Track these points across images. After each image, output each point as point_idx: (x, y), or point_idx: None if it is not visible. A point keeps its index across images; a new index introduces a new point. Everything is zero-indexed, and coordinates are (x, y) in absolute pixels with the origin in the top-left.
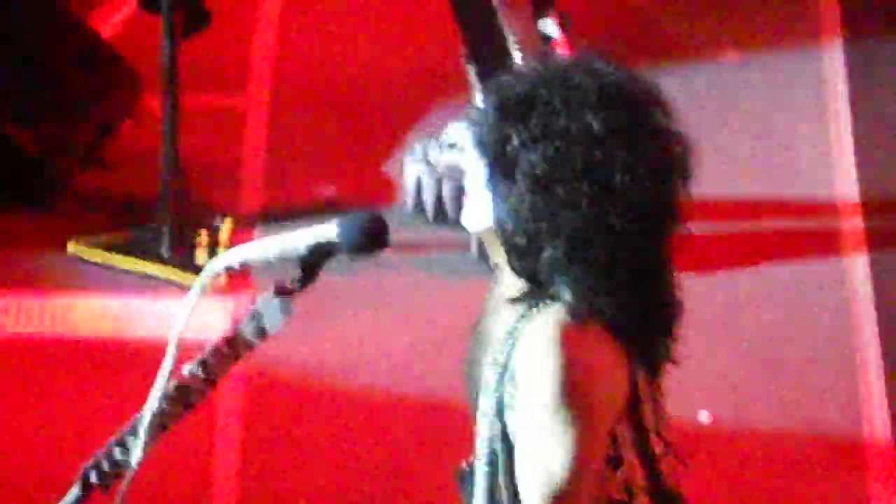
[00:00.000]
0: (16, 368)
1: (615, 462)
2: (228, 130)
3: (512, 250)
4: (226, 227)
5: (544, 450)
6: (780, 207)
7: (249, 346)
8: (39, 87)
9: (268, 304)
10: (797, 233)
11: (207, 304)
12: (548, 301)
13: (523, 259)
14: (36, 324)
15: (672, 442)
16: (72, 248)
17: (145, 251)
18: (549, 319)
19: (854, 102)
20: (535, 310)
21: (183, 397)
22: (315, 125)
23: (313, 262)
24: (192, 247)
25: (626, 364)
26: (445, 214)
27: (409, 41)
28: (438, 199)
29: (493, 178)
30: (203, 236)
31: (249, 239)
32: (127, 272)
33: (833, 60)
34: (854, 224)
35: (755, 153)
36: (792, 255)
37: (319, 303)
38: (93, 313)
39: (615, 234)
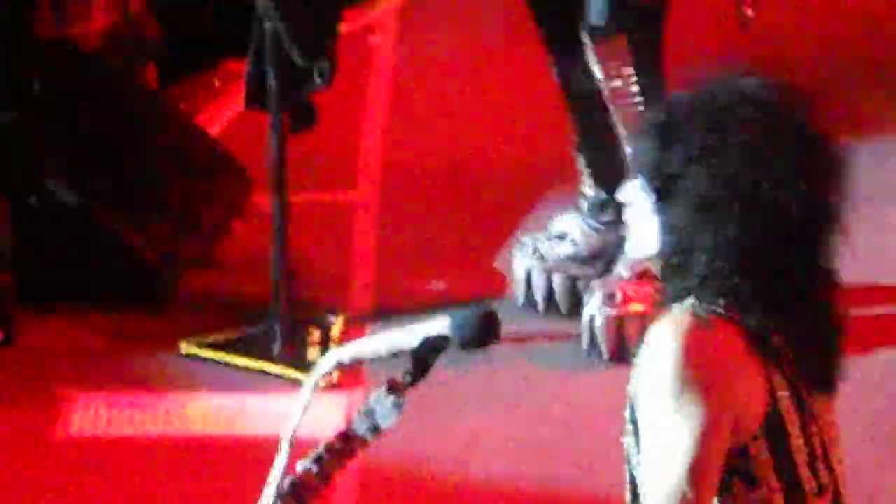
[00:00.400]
0: (129, 469)
1: (750, 481)
2: (338, 228)
3: (670, 271)
4: (337, 325)
5: (660, 450)
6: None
7: (363, 443)
8: (152, 191)
9: (381, 400)
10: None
11: (320, 401)
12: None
13: (679, 278)
14: (149, 424)
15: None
16: (185, 347)
17: (257, 349)
18: (669, 320)
19: None
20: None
21: (297, 495)
22: (424, 220)
23: (426, 358)
24: (304, 344)
25: (762, 377)
26: (556, 307)
27: (516, 132)
28: (549, 293)
29: (657, 201)
30: (315, 334)
31: (361, 336)
32: (240, 370)
33: None
34: None
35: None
36: None
37: (432, 398)
38: (206, 412)
39: (777, 245)
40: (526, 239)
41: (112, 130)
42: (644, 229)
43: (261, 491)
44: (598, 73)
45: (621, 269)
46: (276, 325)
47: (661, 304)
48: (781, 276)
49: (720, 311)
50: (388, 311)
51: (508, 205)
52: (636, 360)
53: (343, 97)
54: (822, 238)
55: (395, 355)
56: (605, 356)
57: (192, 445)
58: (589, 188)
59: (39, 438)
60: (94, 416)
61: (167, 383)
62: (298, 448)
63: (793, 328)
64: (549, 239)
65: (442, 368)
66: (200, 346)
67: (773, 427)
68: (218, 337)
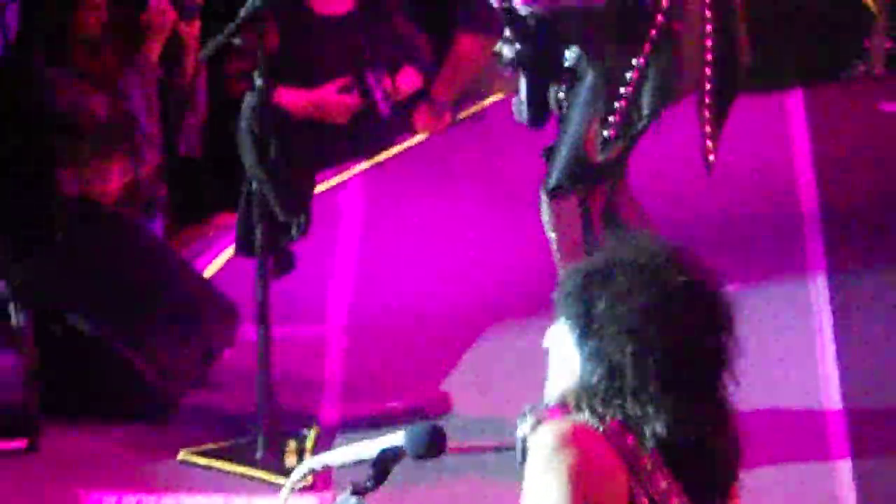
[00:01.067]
0: None
1: None
2: (312, 355)
3: (594, 394)
4: (311, 437)
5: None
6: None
7: None
8: (155, 324)
9: (346, 500)
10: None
11: (297, 501)
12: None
13: (601, 398)
14: None
15: None
16: (182, 455)
17: (243, 457)
18: (559, 421)
19: (837, 325)
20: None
21: None
22: (384, 351)
23: (384, 465)
24: (283, 453)
25: (624, 487)
26: None
27: (471, 278)
28: None
29: (579, 338)
30: (292, 444)
31: (331, 446)
32: (228, 474)
33: (818, 288)
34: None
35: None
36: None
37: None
38: None
39: (669, 379)
40: (528, 409)
41: (123, 273)
42: (561, 366)
43: None
44: (547, 226)
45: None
46: (260, 436)
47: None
48: (671, 405)
49: (605, 426)
50: (353, 427)
51: (458, 339)
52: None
53: (316, 246)
54: (710, 373)
55: (358, 463)
56: None
57: None
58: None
59: None
60: None
61: (168, 485)
62: None
63: (677, 452)
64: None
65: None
66: (195, 454)
67: None
68: (209, 446)
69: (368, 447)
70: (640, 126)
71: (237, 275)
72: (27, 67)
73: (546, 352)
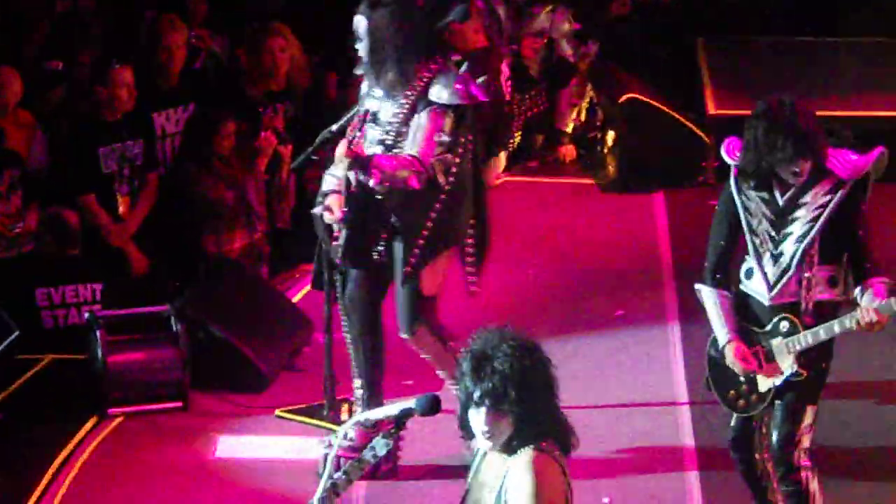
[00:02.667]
0: (251, 470)
1: None
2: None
3: (520, 431)
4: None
5: None
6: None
7: (368, 463)
8: (263, 331)
9: (378, 441)
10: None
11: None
12: (520, 450)
13: (527, 431)
14: (263, 450)
15: None
16: (277, 412)
17: (316, 414)
18: (525, 456)
19: (684, 340)
20: (514, 455)
21: (335, 489)
22: (411, 349)
23: (402, 419)
24: (340, 412)
25: (564, 484)
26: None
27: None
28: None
29: (489, 409)
30: (345, 406)
31: (369, 408)
32: (307, 425)
33: (672, 323)
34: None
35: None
36: None
37: None
38: (290, 446)
39: (555, 405)
40: (324, 439)
41: (243, 300)
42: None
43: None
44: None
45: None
46: (326, 401)
47: (511, 450)
48: (561, 423)
49: (546, 449)
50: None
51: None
52: (507, 477)
53: None
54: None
55: (387, 417)
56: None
57: (285, 458)
58: (361, 403)
59: (203, 463)
60: (237, 444)
61: (269, 432)
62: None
63: (563, 445)
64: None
65: None
66: (286, 412)
67: None
68: (295, 407)
69: (392, 409)
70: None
71: (313, 301)
72: (185, 173)
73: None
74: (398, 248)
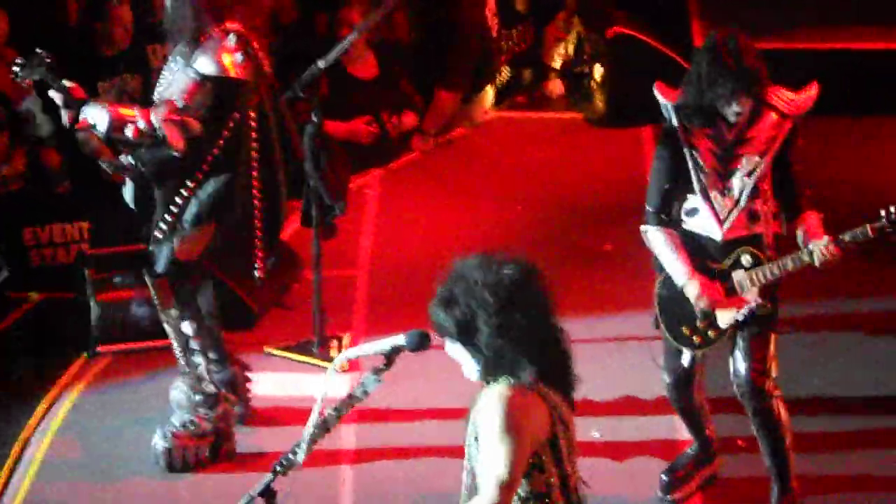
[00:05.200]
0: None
1: (540, 468)
2: (347, 288)
3: (486, 365)
4: (346, 339)
5: (493, 459)
6: None
7: (359, 400)
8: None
9: (369, 377)
10: None
11: (338, 377)
12: (494, 381)
13: (493, 365)
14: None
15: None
16: (266, 349)
17: (305, 350)
18: (496, 388)
19: None
20: (487, 386)
21: (325, 424)
22: (395, 286)
23: (392, 355)
24: (329, 348)
25: (547, 416)
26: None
27: (452, 238)
28: None
29: (465, 340)
30: (335, 343)
31: (358, 343)
32: (295, 362)
33: None
34: None
35: None
36: None
37: None
38: (278, 382)
39: (529, 342)
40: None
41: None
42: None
43: (304, 423)
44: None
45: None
46: (316, 337)
47: (487, 382)
48: (546, 356)
49: (522, 381)
50: (373, 333)
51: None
52: (476, 406)
53: (350, 220)
54: (553, 324)
55: (377, 353)
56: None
57: (273, 395)
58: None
59: None
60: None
61: (256, 368)
62: (328, 402)
63: (553, 379)
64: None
65: None
66: (275, 348)
67: (553, 441)
68: (284, 343)
69: (382, 344)
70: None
71: (302, 238)
72: None
73: None
74: (157, 214)
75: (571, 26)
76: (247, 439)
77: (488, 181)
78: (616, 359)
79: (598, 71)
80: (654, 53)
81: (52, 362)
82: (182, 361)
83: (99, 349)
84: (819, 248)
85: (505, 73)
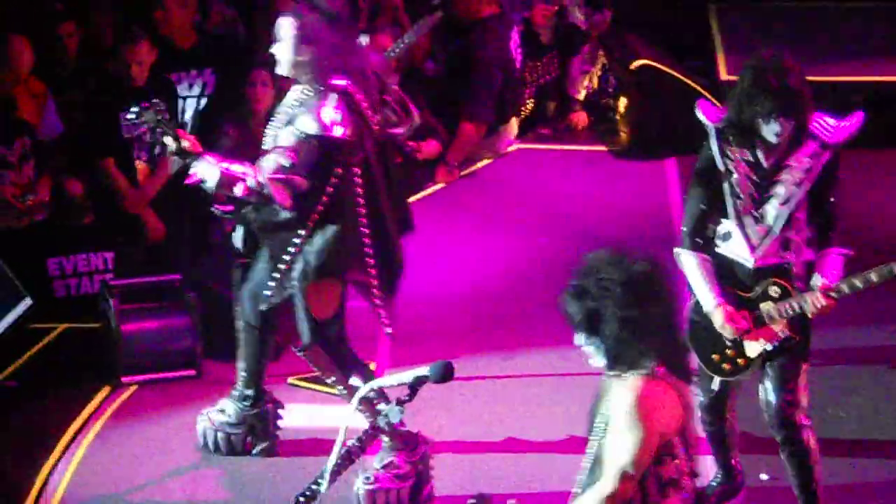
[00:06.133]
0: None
1: (672, 455)
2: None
3: (614, 357)
4: (371, 369)
5: (619, 448)
6: None
7: (382, 431)
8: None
9: (392, 408)
10: None
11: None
12: (625, 376)
13: (620, 357)
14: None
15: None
16: (290, 380)
17: (327, 382)
18: (629, 381)
19: None
20: (620, 379)
21: (349, 456)
22: (418, 319)
23: (415, 386)
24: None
25: (681, 408)
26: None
27: (473, 272)
28: (215, 442)
29: (593, 331)
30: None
31: (382, 375)
32: (318, 393)
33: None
34: None
35: None
36: None
37: None
38: (302, 413)
39: (655, 335)
40: (203, 413)
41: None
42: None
43: (328, 454)
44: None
45: (376, 462)
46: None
47: (616, 373)
48: (671, 348)
49: (652, 372)
50: (397, 364)
51: (467, 311)
52: (609, 397)
53: None
54: (675, 318)
55: (400, 385)
56: None
57: (296, 426)
58: (241, 385)
59: None
60: None
61: (282, 399)
62: (349, 433)
63: (676, 370)
64: (216, 412)
65: None
66: (298, 379)
67: (683, 429)
68: (308, 374)
69: (406, 376)
70: (290, 290)
71: None
72: (222, 136)
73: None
74: (264, 268)
75: (596, 58)
76: (271, 471)
77: (512, 212)
78: None
79: (622, 103)
80: (679, 86)
81: (76, 392)
82: (366, 414)
83: (123, 379)
84: (810, 297)
85: (529, 104)
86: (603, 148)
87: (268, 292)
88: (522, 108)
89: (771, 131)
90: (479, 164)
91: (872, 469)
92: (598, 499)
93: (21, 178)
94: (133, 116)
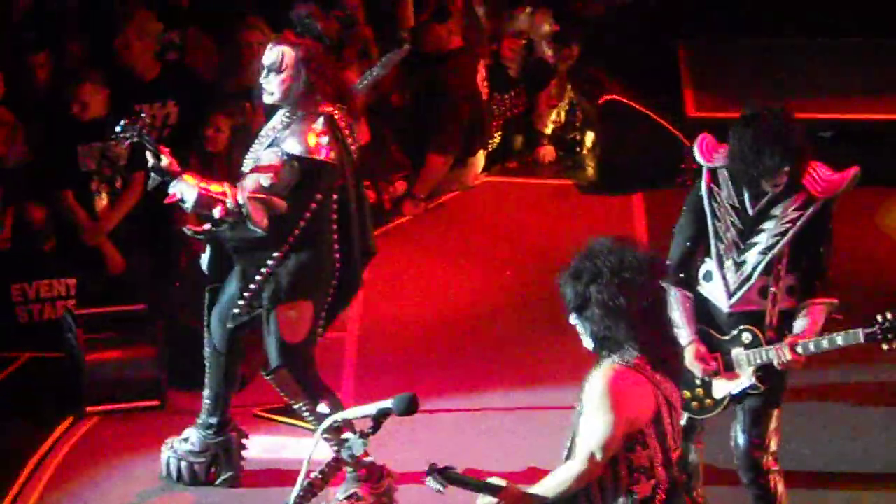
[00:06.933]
0: None
1: (643, 444)
2: (337, 351)
3: (597, 341)
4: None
5: (589, 430)
6: None
7: (344, 463)
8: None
9: (355, 440)
10: None
11: (324, 442)
12: (605, 360)
13: (603, 342)
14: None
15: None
16: (255, 412)
17: (293, 413)
18: (605, 366)
19: None
20: (599, 364)
21: (311, 489)
22: (384, 350)
23: (379, 419)
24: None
25: (654, 399)
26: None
27: (440, 303)
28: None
29: (581, 313)
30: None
31: (347, 407)
32: (283, 424)
33: None
34: None
35: None
36: None
37: None
38: (266, 445)
39: (639, 325)
40: (167, 442)
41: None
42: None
43: (292, 485)
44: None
45: (339, 494)
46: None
47: (599, 358)
48: (653, 340)
49: (628, 361)
50: (361, 396)
51: (437, 342)
52: (585, 384)
53: None
54: (661, 313)
55: (363, 417)
56: None
57: (261, 457)
58: (206, 413)
59: None
60: None
61: (248, 430)
62: (313, 464)
63: (662, 365)
64: (180, 441)
65: None
66: (264, 411)
67: (657, 419)
68: (272, 406)
69: (370, 408)
70: (259, 310)
71: None
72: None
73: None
74: (236, 286)
75: (564, 93)
76: (234, 502)
77: (479, 245)
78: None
79: (589, 138)
80: (646, 121)
81: (40, 421)
82: (332, 442)
83: (88, 409)
84: (777, 350)
85: (497, 137)
86: (570, 182)
87: (236, 310)
88: (490, 142)
89: (771, 183)
90: (446, 197)
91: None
92: (567, 476)
93: None
94: (120, 130)
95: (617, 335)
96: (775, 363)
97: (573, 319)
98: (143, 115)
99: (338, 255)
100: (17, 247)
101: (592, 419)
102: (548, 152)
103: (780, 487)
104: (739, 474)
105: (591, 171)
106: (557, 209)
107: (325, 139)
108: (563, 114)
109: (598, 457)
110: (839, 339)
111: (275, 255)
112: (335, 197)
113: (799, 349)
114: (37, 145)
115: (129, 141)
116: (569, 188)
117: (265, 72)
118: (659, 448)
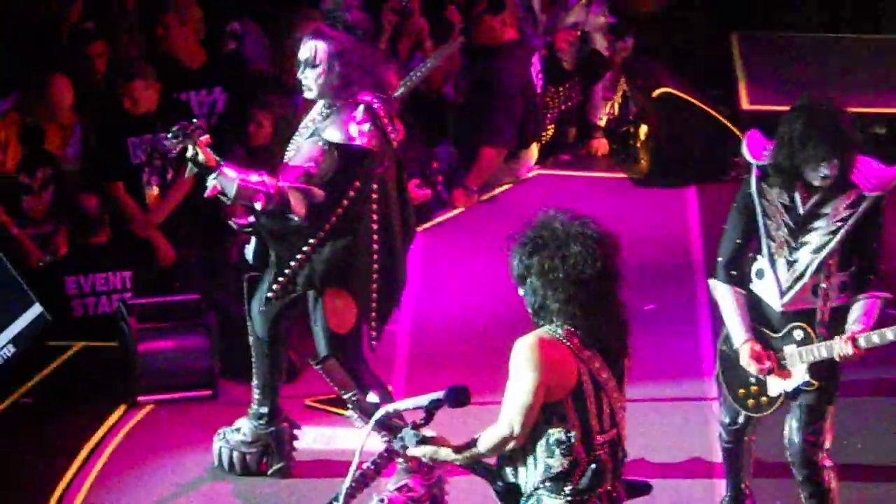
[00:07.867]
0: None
1: (561, 418)
2: (389, 345)
3: (536, 311)
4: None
5: (508, 395)
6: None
7: (397, 454)
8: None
9: (408, 432)
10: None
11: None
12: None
13: (537, 312)
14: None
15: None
16: (307, 402)
17: (344, 404)
18: (531, 334)
19: (711, 318)
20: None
21: (363, 479)
22: (434, 344)
23: (431, 411)
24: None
25: (574, 371)
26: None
27: (489, 299)
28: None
29: (521, 283)
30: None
31: (400, 398)
32: (336, 415)
33: (700, 301)
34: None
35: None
36: None
37: None
38: (318, 436)
39: (583, 301)
40: (219, 432)
41: None
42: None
43: (344, 476)
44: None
45: (390, 485)
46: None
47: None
48: (588, 316)
49: (555, 332)
50: (413, 388)
51: (484, 338)
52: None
53: None
54: (606, 292)
55: (416, 408)
56: None
57: (312, 448)
58: (256, 403)
59: None
60: None
61: (299, 421)
62: (364, 455)
63: (596, 343)
64: (232, 431)
65: None
66: (315, 401)
67: (577, 394)
68: (324, 397)
69: (422, 400)
70: (293, 295)
71: None
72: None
73: None
74: (271, 272)
75: (618, 85)
76: (286, 493)
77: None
78: (655, 419)
79: (643, 131)
80: (700, 114)
81: (92, 411)
82: (383, 435)
83: (140, 399)
84: (836, 344)
85: (550, 130)
86: (623, 175)
87: (269, 293)
88: (543, 134)
89: (818, 176)
90: (499, 189)
91: (890, 499)
92: (490, 437)
93: (40, 205)
94: (172, 136)
95: (552, 306)
96: (835, 357)
97: (519, 290)
98: (196, 121)
99: (377, 246)
100: (73, 238)
101: (511, 384)
102: (601, 145)
103: (835, 483)
104: (793, 471)
105: (644, 163)
106: (610, 203)
107: (366, 126)
108: (616, 106)
109: (518, 419)
110: (889, 335)
111: (311, 241)
112: (374, 186)
113: (861, 342)
114: (89, 138)
115: (180, 146)
116: (621, 181)
117: (301, 67)
118: (579, 426)
